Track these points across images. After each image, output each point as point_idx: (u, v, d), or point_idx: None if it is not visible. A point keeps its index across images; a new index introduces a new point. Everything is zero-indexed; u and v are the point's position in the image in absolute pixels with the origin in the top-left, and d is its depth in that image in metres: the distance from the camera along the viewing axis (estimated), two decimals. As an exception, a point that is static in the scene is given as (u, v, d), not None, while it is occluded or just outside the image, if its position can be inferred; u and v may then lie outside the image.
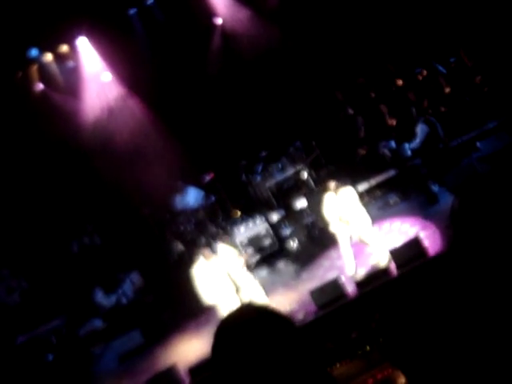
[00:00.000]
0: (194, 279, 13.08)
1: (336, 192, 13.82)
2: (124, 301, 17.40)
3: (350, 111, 19.77)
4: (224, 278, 13.22)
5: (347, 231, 13.80)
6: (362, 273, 13.48)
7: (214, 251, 13.40)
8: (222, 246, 13.75)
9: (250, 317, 2.38)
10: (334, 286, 12.56)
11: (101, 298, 17.13)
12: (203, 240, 17.36)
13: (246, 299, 13.18)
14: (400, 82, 19.81)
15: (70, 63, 19.81)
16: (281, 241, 17.82)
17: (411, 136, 17.96)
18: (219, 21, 21.27)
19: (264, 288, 14.49)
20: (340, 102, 20.35)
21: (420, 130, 17.82)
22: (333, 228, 13.90)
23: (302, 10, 20.70)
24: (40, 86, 19.69)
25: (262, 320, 2.36)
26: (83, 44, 19.50)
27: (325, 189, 14.17)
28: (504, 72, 17.79)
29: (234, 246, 16.26)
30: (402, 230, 14.90)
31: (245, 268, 13.56)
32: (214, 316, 13.87)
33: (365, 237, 13.73)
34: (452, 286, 2.32)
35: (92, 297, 17.17)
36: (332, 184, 13.94)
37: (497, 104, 17.40)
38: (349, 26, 20.53)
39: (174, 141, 19.71)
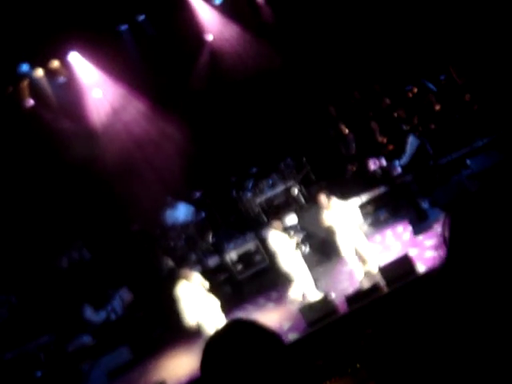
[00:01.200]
0: (177, 300, 13.30)
1: (328, 205, 13.88)
2: (113, 317, 17.32)
3: (342, 126, 19.81)
4: (206, 296, 13.52)
5: (348, 240, 13.92)
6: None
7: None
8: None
9: (238, 333, 2.37)
10: (324, 303, 12.56)
11: (90, 314, 17.05)
12: (193, 256, 17.46)
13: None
14: (388, 101, 19.89)
15: (61, 79, 19.81)
16: (271, 257, 17.78)
17: (401, 153, 18.04)
18: (210, 37, 21.36)
19: (254, 303, 14.58)
20: (332, 118, 20.42)
21: (409, 146, 17.89)
22: (338, 238, 14.01)
23: (296, 27, 20.82)
24: (30, 102, 19.66)
25: (250, 336, 2.35)
26: (75, 59, 19.53)
27: (316, 202, 14.34)
28: (494, 90, 17.87)
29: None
30: (392, 244, 14.93)
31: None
32: (203, 332, 13.90)
33: (359, 247, 13.85)
34: (443, 304, 2.32)
35: (81, 313, 17.09)
36: (323, 197, 14.00)
37: (486, 122, 17.48)
38: (340, 43, 20.62)
39: (165, 156, 19.74)
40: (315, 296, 13.68)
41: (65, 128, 19.94)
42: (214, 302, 13.71)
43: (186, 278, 13.48)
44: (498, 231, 2.20)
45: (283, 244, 14.14)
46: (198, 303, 13.31)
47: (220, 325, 12.74)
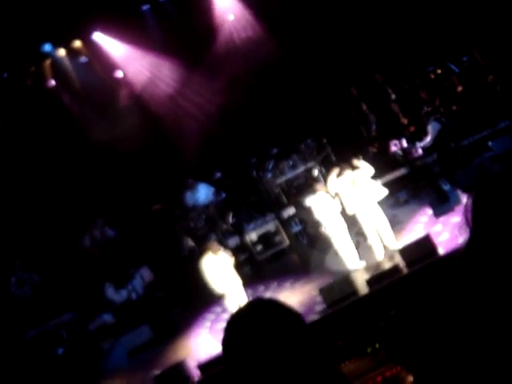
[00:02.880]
0: (203, 271, 13.35)
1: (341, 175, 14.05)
2: (134, 296, 17.43)
3: (364, 107, 19.75)
4: (230, 272, 13.60)
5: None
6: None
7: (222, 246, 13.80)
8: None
9: (259, 312, 2.38)
10: (344, 284, 12.56)
11: (111, 293, 17.17)
12: (213, 236, 17.51)
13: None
14: (415, 81, 19.81)
15: (83, 58, 19.87)
16: (291, 238, 17.82)
17: (423, 135, 17.95)
18: (231, 17, 21.34)
19: (273, 284, 14.67)
20: (354, 99, 20.34)
21: (431, 128, 17.80)
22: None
23: (317, 8, 20.74)
24: (52, 83, 19.75)
25: (272, 315, 2.37)
26: (98, 39, 19.59)
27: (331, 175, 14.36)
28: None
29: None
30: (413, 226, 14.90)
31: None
32: (223, 312, 14.00)
33: (378, 223, 13.93)
34: (464, 286, 2.32)
35: (102, 292, 17.21)
36: (336, 169, 14.22)
37: (509, 103, 17.35)
38: (362, 24, 20.52)
39: (187, 136, 19.79)
40: (356, 264, 13.89)
41: (86, 109, 20.04)
42: (237, 279, 13.77)
43: (212, 250, 13.54)
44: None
45: (327, 208, 14.16)
46: (221, 276, 13.36)
47: (242, 302, 12.90)
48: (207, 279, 13.33)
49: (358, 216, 14.09)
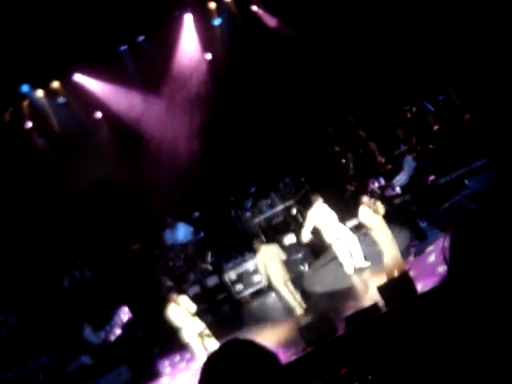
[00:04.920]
0: (169, 322, 13.88)
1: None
2: (112, 337, 17.30)
3: (337, 149, 19.93)
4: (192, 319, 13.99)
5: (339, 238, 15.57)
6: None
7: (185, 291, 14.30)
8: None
9: (235, 352, 2.39)
10: (322, 322, 12.54)
11: (89, 334, 17.02)
12: (192, 276, 17.50)
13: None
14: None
15: (61, 99, 19.87)
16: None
17: (399, 172, 18.08)
18: (208, 56, 21.56)
19: (253, 323, 14.70)
20: (331, 138, 20.48)
21: (407, 166, 17.93)
22: (327, 237, 15.67)
23: (298, 49, 20.97)
24: (29, 124, 19.70)
25: (247, 356, 2.38)
26: (77, 79, 19.63)
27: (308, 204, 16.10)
28: (492, 110, 17.93)
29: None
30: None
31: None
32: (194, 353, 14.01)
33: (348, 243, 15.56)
34: (443, 323, 2.35)
35: (80, 333, 17.06)
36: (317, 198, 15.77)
37: (485, 142, 17.51)
38: (340, 63, 20.73)
39: (165, 177, 19.79)
40: (364, 264, 15.55)
41: (62, 152, 20.00)
42: (200, 325, 14.09)
43: (174, 301, 13.91)
44: (497, 251, 2.23)
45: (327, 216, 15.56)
46: (186, 325, 13.79)
47: (210, 347, 13.08)
48: (174, 330, 13.88)
49: (333, 242, 15.61)
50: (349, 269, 15.69)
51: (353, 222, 17.92)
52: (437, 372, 2.27)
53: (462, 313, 2.26)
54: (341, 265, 15.88)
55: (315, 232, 15.98)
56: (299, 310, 14.84)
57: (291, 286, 15.10)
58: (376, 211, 14.05)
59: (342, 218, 16.94)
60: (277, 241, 18.21)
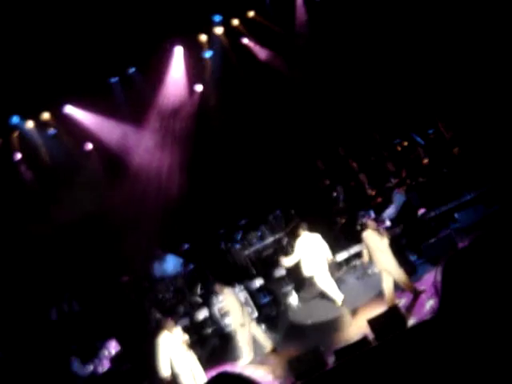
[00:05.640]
0: (157, 350, 13.65)
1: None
2: (101, 370, 17.16)
3: (327, 182, 19.97)
4: (185, 350, 13.88)
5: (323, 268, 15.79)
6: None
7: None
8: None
9: (225, 386, 2.39)
10: (313, 356, 12.47)
11: (77, 367, 16.88)
12: (181, 308, 17.43)
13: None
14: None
15: (51, 130, 19.86)
16: (260, 309, 17.76)
17: (389, 206, 18.12)
18: (199, 88, 21.63)
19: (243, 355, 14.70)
20: (320, 171, 20.54)
21: (396, 200, 17.97)
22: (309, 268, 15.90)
23: (286, 81, 21.11)
24: (18, 156, 19.64)
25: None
26: (67, 111, 19.63)
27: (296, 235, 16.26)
28: (481, 144, 18.02)
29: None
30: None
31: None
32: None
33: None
34: (434, 355, 2.37)
35: (69, 366, 16.92)
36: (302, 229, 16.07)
37: (474, 176, 17.58)
38: (330, 97, 20.86)
39: (155, 209, 19.76)
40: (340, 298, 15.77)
41: (51, 185, 19.95)
42: (193, 358, 13.99)
43: (167, 328, 13.76)
44: (488, 285, 2.25)
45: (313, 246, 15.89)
46: (176, 356, 13.64)
47: (199, 380, 13.03)
48: (159, 360, 13.62)
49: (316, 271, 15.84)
50: (338, 299, 15.86)
51: (343, 255, 17.95)
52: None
53: (455, 344, 2.27)
54: (328, 297, 16.00)
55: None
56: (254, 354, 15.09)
57: (253, 328, 15.16)
58: (382, 235, 14.08)
59: (332, 251, 16.96)
60: (266, 274, 18.22)
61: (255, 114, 21.07)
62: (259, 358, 15.04)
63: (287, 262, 16.21)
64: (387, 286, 13.91)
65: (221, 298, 15.91)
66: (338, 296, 15.90)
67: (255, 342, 15.31)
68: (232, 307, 15.20)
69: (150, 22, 18.59)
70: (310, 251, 15.92)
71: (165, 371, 13.49)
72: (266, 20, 21.28)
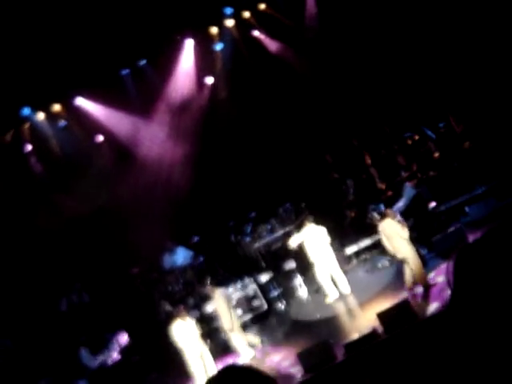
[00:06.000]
0: (172, 339, 13.74)
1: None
2: (110, 361, 17.20)
3: (336, 175, 19.95)
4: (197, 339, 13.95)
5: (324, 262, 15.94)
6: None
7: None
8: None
9: (233, 379, 2.37)
10: (322, 349, 12.47)
11: (87, 358, 16.92)
12: (191, 300, 17.44)
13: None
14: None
15: (62, 122, 19.88)
16: (269, 302, 17.77)
17: (399, 199, 18.07)
18: (211, 79, 21.61)
19: (252, 349, 14.68)
20: (330, 165, 20.50)
21: (406, 193, 17.92)
22: (312, 258, 16.09)
23: (297, 74, 21.07)
24: (28, 148, 19.66)
25: (246, 382, 2.35)
26: (78, 102, 19.64)
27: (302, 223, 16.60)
28: (492, 138, 17.97)
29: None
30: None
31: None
32: (194, 377, 13.90)
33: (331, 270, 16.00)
34: (444, 349, 2.33)
35: (78, 357, 16.96)
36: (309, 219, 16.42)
37: (485, 169, 17.52)
38: (341, 90, 20.80)
39: (165, 201, 19.77)
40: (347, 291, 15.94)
41: (60, 177, 19.97)
42: (204, 347, 14.09)
43: (181, 317, 13.85)
44: (500, 278, 2.22)
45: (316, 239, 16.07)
46: (188, 344, 13.72)
47: (210, 370, 13.06)
48: (176, 349, 13.75)
49: (316, 263, 16.07)
50: (332, 296, 15.99)
51: (353, 248, 17.92)
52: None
53: (466, 337, 2.24)
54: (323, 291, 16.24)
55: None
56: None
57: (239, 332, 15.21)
58: (402, 224, 14.10)
59: (342, 244, 16.96)
60: (276, 267, 18.22)
61: (265, 106, 21.04)
62: (269, 350, 15.05)
63: (292, 242, 16.50)
64: (407, 272, 13.88)
65: (212, 300, 15.77)
66: (332, 293, 16.01)
67: (265, 331, 15.37)
68: (221, 311, 15.18)
69: (161, 14, 18.57)
70: (314, 243, 16.08)
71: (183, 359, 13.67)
72: (276, 13, 21.23)
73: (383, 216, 14.42)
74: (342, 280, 16.07)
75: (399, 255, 14.05)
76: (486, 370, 2.19)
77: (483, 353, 2.20)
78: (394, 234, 13.98)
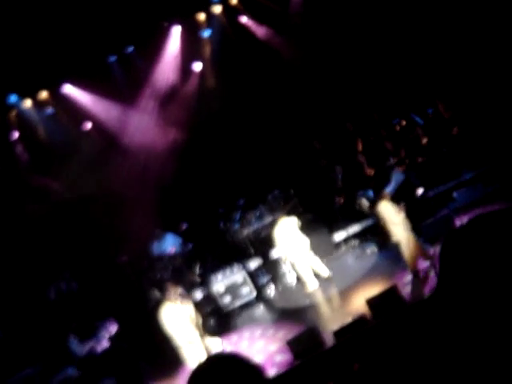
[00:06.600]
0: (162, 324, 13.55)
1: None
2: (99, 349, 17.18)
3: (324, 162, 19.94)
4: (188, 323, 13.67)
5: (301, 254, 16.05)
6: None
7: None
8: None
9: (220, 367, 2.36)
10: (311, 335, 12.50)
11: (75, 345, 16.90)
12: (180, 287, 17.39)
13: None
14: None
15: (49, 110, 19.82)
16: (258, 289, 17.80)
17: (387, 185, 18.09)
18: (199, 66, 21.55)
19: (241, 336, 14.66)
20: (318, 151, 20.49)
21: (395, 178, 17.94)
22: (285, 252, 16.41)
23: (285, 58, 21.05)
24: (15, 135, 19.61)
25: (232, 370, 2.34)
26: (66, 89, 19.58)
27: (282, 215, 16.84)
28: (480, 124, 17.99)
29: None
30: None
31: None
32: (187, 365, 13.87)
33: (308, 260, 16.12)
34: (432, 336, 2.32)
35: (67, 344, 16.94)
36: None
37: (473, 155, 17.56)
38: (328, 76, 20.78)
39: (153, 189, 19.74)
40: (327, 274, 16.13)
41: (47, 164, 19.93)
42: (193, 331, 13.77)
43: (171, 300, 13.67)
44: (486, 263, 2.21)
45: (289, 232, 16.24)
46: (179, 328, 13.53)
47: (200, 354, 12.97)
48: (166, 334, 13.52)
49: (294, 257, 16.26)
50: (311, 286, 16.15)
51: (341, 235, 17.95)
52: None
53: (452, 323, 2.24)
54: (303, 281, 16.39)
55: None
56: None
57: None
58: (398, 208, 14.12)
59: (331, 231, 16.97)
60: (265, 254, 18.23)
61: (254, 93, 21.01)
62: (257, 336, 15.07)
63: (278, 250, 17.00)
64: (406, 252, 13.88)
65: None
66: (311, 283, 16.12)
67: (254, 319, 15.35)
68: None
69: (148, 0, 18.50)
70: (288, 234, 16.23)
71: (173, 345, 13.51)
72: (263, -2, 21.19)
73: (380, 198, 14.39)
74: (320, 266, 16.23)
75: (394, 238, 14.05)
76: (473, 356, 2.18)
77: (470, 339, 2.20)
78: (389, 216, 13.99)
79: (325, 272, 16.13)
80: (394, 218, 13.91)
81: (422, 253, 13.82)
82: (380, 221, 14.31)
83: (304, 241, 16.25)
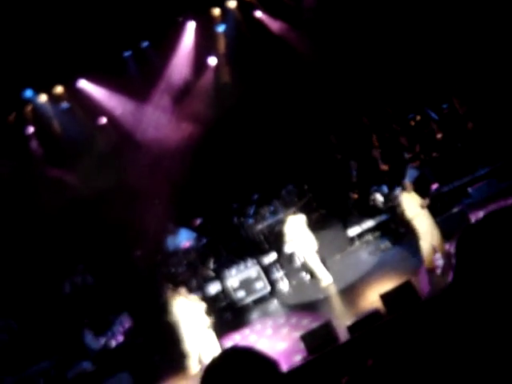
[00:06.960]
0: (175, 319, 13.80)
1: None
2: (114, 343, 17.25)
3: (338, 157, 19.92)
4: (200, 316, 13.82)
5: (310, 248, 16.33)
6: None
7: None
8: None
9: (235, 361, 2.37)
10: (325, 330, 12.49)
11: (90, 339, 16.96)
12: (194, 282, 17.45)
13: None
14: (395, 128, 19.97)
15: (64, 104, 19.87)
16: (272, 284, 17.80)
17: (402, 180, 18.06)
18: (214, 61, 21.54)
19: (255, 330, 14.66)
20: (333, 146, 20.47)
21: (409, 174, 17.90)
22: (295, 246, 16.76)
23: (300, 55, 20.99)
24: (30, 130, 19.68)
25: (247, 364, 2.35)
26: (81, 84, 19.63)
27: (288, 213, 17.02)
28: (495, 119, 17.92)
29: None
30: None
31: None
32: (200, 359, 13.90)
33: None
34: (446, 331, 2.32)
35: (81, 339, 17.01)
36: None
37: (488, 151, 17.49)
38: (344, 71, 20.73)
39: (168, 184, 19.76)
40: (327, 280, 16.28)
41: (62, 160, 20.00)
42: (206, 327, 13.87)
43: (183, 295, 13.88)
44: (501, 259, 2.21)
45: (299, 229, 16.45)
46: (190, 323, 13.67)
47: (215, 349, 12.98)
48: (179, 329, 13.72)
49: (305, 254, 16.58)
50: (325, 281, 16.39)
51: (356, 230, 17.92)
52: (440, 378, 2.25)
53: (467, 318, 2.24)
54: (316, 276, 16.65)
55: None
56: None
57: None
58: (421, 198, 14.06)
59: (345, 226, 16.96)
60: (279, 248, 18.23)
61: (269, 87, 20.98)
62: (272, 332, 15.08)
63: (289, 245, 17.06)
64: (425, 248, 13.84)
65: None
66: (325, 278, 16.30)
67: (268, 313, 15.35)
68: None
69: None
70: (297, 232, 16.42)
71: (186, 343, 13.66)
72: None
73: (403, 189, 14.32)
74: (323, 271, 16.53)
75: (414, 231, 14.01)
76: (488, 350, 2.19)
77: (484, 334, 2.20)
78: (411, 208, 13.93)
79: (326, 279, 16.40)
80: (415, 209, 13.85)
81: (441, 248, 13.77)
82: (401, 212, 14.26)
83: (311, 240, 16.48)
